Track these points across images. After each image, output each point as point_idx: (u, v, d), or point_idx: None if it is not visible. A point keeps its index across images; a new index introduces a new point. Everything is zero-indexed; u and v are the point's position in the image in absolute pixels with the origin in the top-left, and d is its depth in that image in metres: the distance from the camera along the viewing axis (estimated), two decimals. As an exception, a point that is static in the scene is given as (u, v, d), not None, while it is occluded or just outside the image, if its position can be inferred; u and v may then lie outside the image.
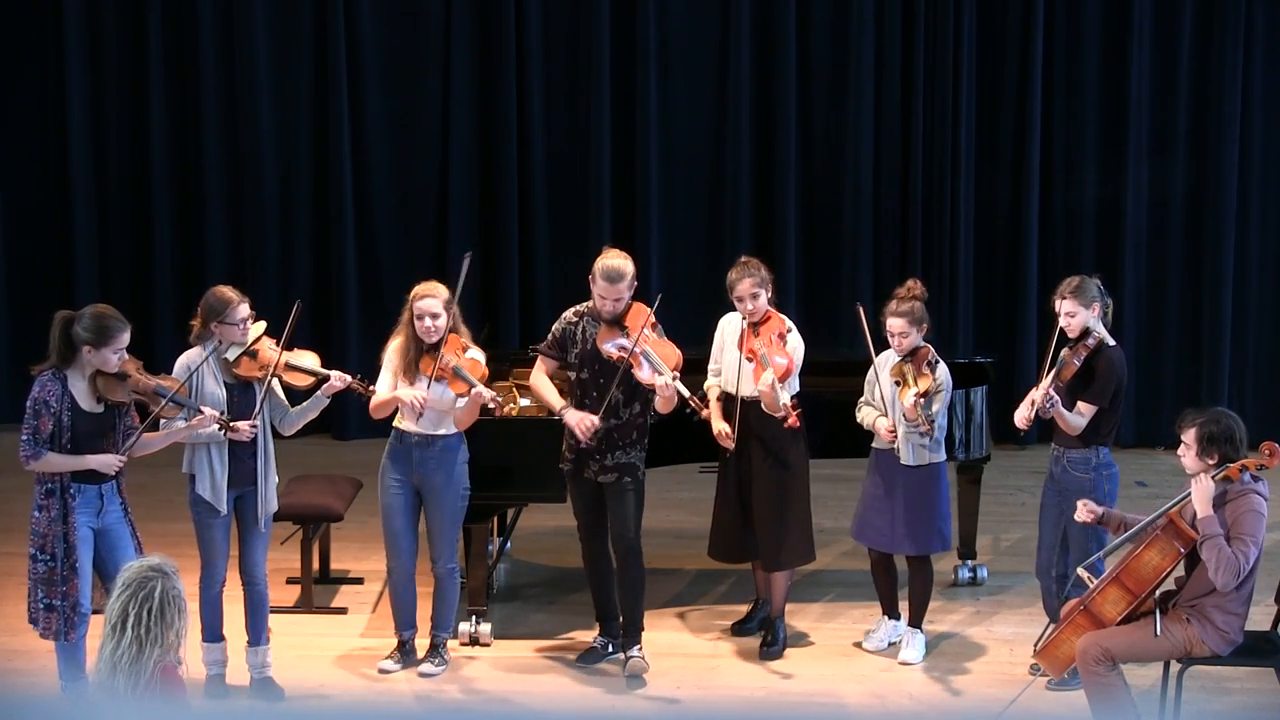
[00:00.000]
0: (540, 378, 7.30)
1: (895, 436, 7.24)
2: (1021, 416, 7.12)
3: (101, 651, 5.09)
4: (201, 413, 6.69)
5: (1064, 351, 7.05)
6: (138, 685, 5.07)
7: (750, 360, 7.22)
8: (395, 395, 7.08)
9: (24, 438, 6.46)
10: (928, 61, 10.85)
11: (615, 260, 7.11)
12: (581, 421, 7.07)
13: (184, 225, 11.13)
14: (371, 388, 7.09)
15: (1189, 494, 6.36)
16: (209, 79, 10.91)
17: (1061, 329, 7.08)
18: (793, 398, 7.21)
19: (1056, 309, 7.12)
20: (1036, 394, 7.04)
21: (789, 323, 7.35)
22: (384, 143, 11.06)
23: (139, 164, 11.07)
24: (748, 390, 7.31)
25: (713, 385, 7.48)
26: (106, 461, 6.52)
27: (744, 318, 7.32)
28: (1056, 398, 6.99)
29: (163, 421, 6.69)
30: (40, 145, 11.11)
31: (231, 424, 6.75)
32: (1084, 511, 6.60)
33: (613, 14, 10.89)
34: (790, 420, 7.08)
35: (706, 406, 7.09)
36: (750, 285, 7.25)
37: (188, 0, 10.86)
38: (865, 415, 7.43)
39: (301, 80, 10.98)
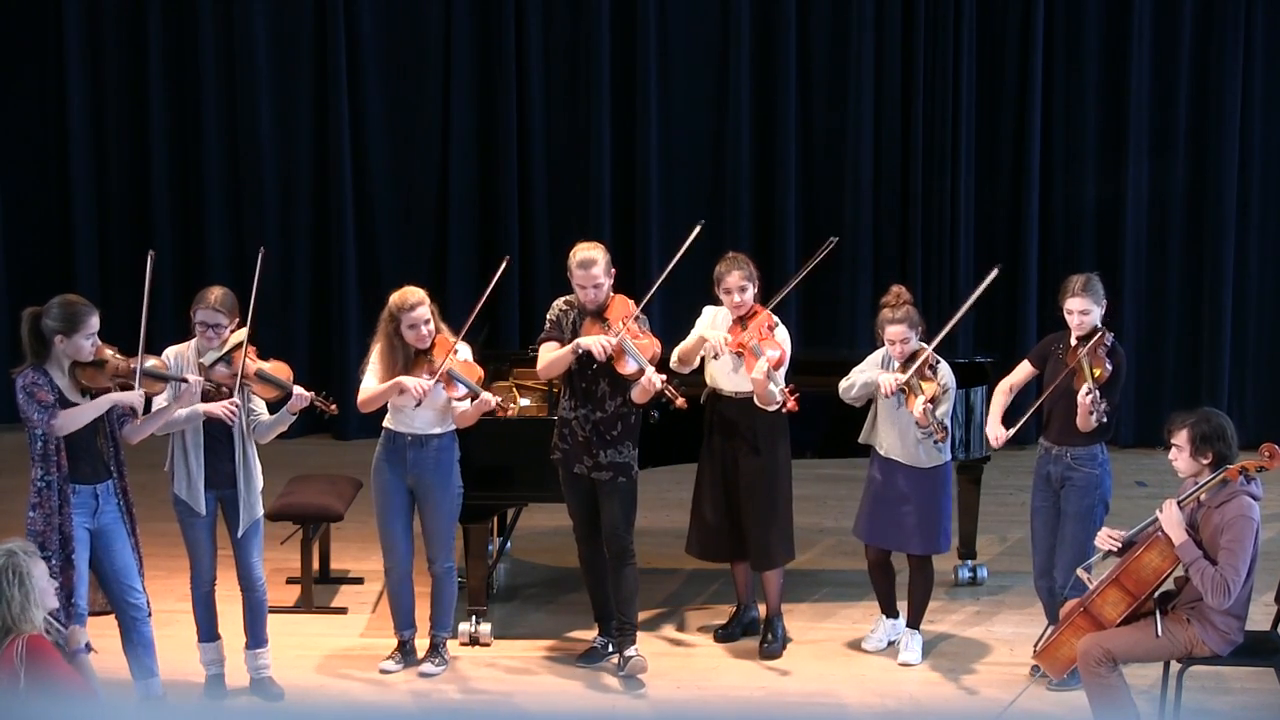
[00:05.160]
0: (547, 354, 7.22)
1: (895, 389, 7.15)
2: (1001, 437, 7.14)
3: None
4: (187, 381, 6.65)
5: (1082, 351, 6.96)
6: None
7: (740, 355, 7.22)
8: (399, 380, 7.02)
9: (34, 416, 6.34)
10: (928, 62, 10.85)
11: (586, 250, 7.17)
12: (597, 341, 7.04)
13: (184, 225, 11.13)
14: (333, 405, 6.99)
15: (1190, 493, 6.36)
16: (209, 79, 10.92)
17: (1056, 330, 7.06)
18: (789, 384, 7.19)
19: (1065, 308, 7.08)
20: (1003, 415, 7.07)
21: (775, 317, 7.34)
22: (384, 143, 11.07)
23: (139, 164, 11.07)
24: (729, 386, 7.32)
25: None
26: (125, 398, 6.46)
27: (731, 311, 7.32)
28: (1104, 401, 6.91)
29: (154, 402, 6.66)
30: (40, 145, 11.11)
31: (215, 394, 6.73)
32: (1107, 539, 6.47)
33: (613, 14, 10.89)
34: (789, 404, 7.06)
35: (681, 396, 7.06)
36: (739, 278, 7.26)
37: (188, 0, 10.87)
38: (856, 379, 7.31)
39: (301, 80, 10.98)
